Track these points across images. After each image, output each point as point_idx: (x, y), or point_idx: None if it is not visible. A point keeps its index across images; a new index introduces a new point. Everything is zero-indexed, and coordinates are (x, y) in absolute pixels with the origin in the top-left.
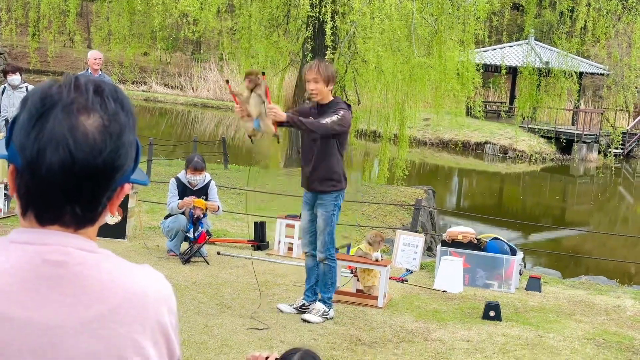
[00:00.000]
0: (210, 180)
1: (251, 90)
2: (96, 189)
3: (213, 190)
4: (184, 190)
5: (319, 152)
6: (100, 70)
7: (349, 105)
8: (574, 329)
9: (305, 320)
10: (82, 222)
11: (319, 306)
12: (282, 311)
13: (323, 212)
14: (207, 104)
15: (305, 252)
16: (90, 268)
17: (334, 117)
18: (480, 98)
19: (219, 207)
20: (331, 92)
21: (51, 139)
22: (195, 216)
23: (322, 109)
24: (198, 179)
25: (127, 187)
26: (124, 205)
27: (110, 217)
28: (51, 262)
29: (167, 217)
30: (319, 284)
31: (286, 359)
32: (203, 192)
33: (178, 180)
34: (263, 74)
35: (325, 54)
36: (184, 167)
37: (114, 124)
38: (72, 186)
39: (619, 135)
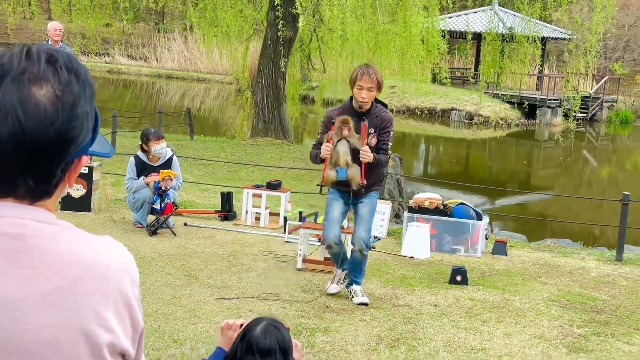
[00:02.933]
0: (172, 155)
1: (341, 138)
2: (49, 161)
3: (176, 166)
4: (143, 168)
5: (370, 167)
6: (61, 41)
7: (385, 105)
8: (539, 291)
9: (362, 304)
10: (37, 194)
11: (358, 288)
12: (332, 294)
13: (368, 203)
14: (172, 74)
15: (330, 246)
16: (48, 240)
17: (389, 142)
18: (446, 65)
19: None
20: None
21: (0, 109)
22: (163, 188)
23: (361, 114)
24: (162, 147)
25: (85, 159)
26: (88, 178)
27: (75, 190)
28: (8, 235)
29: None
30: (354, 272)
31: (249, 331)
32: (166, 167)
33: (137, 158)
34: (363, 119)
35: (293, 22)
36: (142, 143)
37: (67, 95)
38: (23, 158)
39: (579, 100)
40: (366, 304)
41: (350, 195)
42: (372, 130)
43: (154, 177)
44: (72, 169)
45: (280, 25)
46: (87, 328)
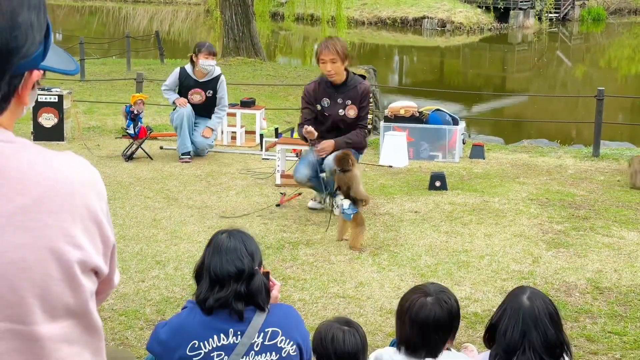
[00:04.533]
0: (221, 74)
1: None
2: None
3: (222, 85)
4: (187, 80)
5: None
6: None
7: (364, 77)
8: (518, 191)
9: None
10: None
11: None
12: (312, 209)
13: None
14: None
15: (301, 184)
16: (7, 159)
17: (367, 117)
18: None
19: (212, 131)
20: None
21: None
22: (135, 112)
23: (337, 87)
24: (212, 64)
25: (37, 74)
26: (59, 107)
27: (47, 120)
28: None
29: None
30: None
31: (214, 239)
32: (210, 86)
33: (182, 70)
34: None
35: None
36: (193, 53)
37: (4, 2)
38: None
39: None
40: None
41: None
42: (349, 102)
43: (182, 100)
44: (23, 84)
45: None
46: (55, 246)
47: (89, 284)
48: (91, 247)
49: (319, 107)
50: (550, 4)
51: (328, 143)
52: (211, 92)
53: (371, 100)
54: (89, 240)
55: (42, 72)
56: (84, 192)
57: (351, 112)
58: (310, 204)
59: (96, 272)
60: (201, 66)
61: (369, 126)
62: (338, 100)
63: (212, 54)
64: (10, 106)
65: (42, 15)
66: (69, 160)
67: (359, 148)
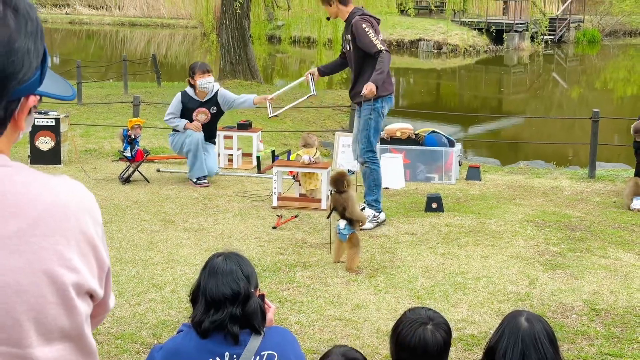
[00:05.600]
0: (219, 88)
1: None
2: None
3: (225, 95)
4: (190, 103)
5: (358, 69)
6: None
7: (363, 13)
8: (514, 212)
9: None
10: None
11: (367, 211)
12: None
13: (359, 118)
14: (135, 22)
15: (357, 160)
16: (3, 182)
17: (371, 42)
18: None
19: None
20: (343, 5)
21: None
22: (132, 136)
23: (346, 26)
24: (209, 81)
25: (33, 99)
26: (56, 130)
27: (44, 143)
28: None
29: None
30: (364, 188)
31: (210, 261)
32: (213, 102)
33: (184, 93)
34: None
35: None
36: (189, 77)
37: (1, 29)
38: None
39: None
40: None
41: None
42: (348, 37)
43: (195, 124)
44: (19, 109)
45: None
46: (50, 269)
47: (84, 307)
48: (86, 270)
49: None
50: (545, 27)
51: (369, 87)
52: (215, 108)
53: (365, 27)
54: (84, 263)
55: (38, 97)
56: (79, 216)
57: (351, 45)
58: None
59: (91, 295)
60: (200, 86)
61: (381, 47)
62: (346, 37)
63: (207, 71)
64: (6, 131)
65: (39, 41)
66: (64, 184)
67: (387, 85)
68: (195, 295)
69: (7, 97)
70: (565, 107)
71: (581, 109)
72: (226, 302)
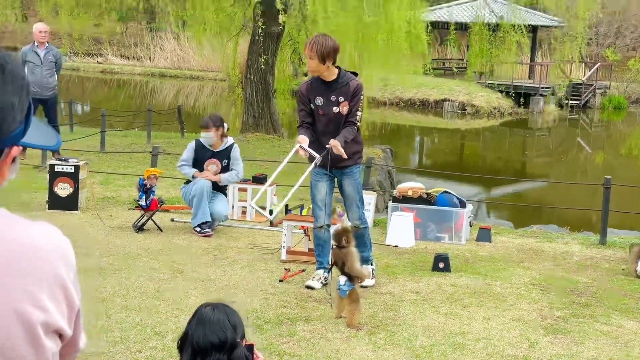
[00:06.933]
0: (233, 144)
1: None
2: None
3: (235, 154)
4: (203, 152)
5: (337, 133)
6: (48, 42)
7: (355, 74)
8: (521, 276)
9: (364, 286)
10: None
11: (367, 269)
12: (313, 288)
13: (351, 182)
14: (165, 73)
15: (321, 226)
16: None
17: (357, 113)
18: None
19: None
20: (333, 66)
21: None
22: (148, 185)
23: (329, 85)
24: (208, 137)
25: (16, 149)
26: (75, 177)
27: (62, 189)
28: None
29: (188, 182)
30: (359, 246)
31: (198, 311)
32: (225, 155)
33: (197, 142)
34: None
35: (277, 18)
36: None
37: None
38: None
39: (569, 87)
40: (368, 287)
41: (330, 169)
42: (342, 99)
43: (206, 174)
44: (3, 159)
45: (259, 23)
46: (19, 308)
47: (52, 345)
48: (56, 310)
49: (312, 105)
50: (564, 90)
51: (335, 142)
52: (226, 161)
53: (362, 97)
54: (53, 304)
55: (21, 147)
56: (52, 259)
57: (345, 109)
58: (310, 283)
59: (60, 335)
60: (202, 140)
61: (359, 124)
62: (331, 98)
63: (206, 127)
64: None
65: (24, 96)
66: (40, 229)
67: (352, 150)
68: (183, 343)
69: None
70: (589, 172)
71: (606, 174)
72: (212, 350)
